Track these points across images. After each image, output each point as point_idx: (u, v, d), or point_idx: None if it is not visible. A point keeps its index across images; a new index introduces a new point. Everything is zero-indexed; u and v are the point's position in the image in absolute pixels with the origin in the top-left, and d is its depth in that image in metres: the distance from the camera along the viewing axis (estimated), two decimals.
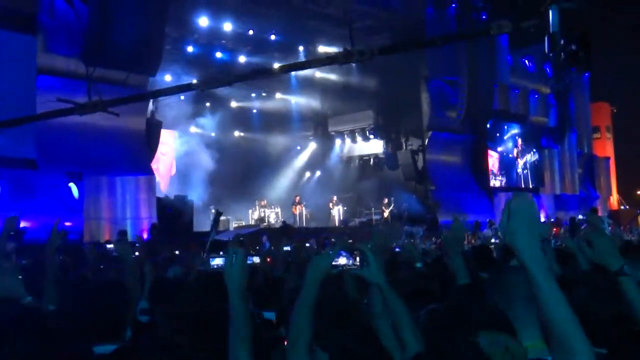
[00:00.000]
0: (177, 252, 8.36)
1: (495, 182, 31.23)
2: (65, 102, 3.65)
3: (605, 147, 41.35)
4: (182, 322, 3.25)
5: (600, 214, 30.15)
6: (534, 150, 33.67)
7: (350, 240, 14.64)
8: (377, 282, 2.90)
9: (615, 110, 42.49)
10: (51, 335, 2.36)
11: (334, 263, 3.21)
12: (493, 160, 31.44)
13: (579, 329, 1.91)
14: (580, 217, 25.78)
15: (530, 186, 33.25)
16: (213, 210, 18.26)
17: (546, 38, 11.27)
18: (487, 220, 24.48)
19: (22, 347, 2.22)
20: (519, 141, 33.14)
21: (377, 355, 2.86)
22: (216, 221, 16.51)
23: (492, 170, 31.23)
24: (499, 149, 31.79)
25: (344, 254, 3.52)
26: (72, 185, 19.66)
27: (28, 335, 2.28)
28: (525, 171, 33.26)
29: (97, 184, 20.15)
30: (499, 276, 3.02)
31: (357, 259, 3.53)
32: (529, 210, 2.04)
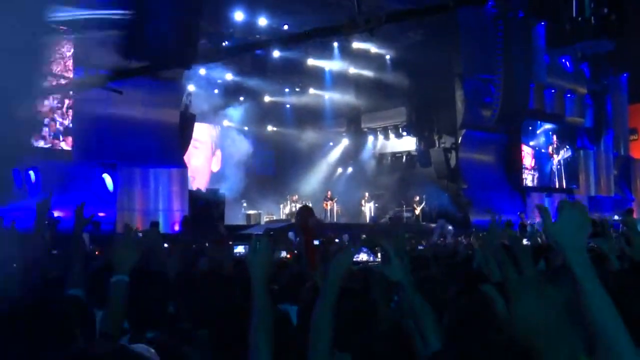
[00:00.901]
0: (207, 244, 8.40)
1: (528, 178, 30.90)
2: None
3: None
4: (204, 316, 3.26)
5: (635, 216, 29.68)
6: (567, 147, 33.25)
7: (364, 236, 14.58)
8: (399, 279, 2.87)
9: None
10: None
11: (355, 259, 3.19)
12: (525, 155, 31.15)
13: (626, 335, 1.84)
14: (616, 217, 25.40)
15: (564, 185, 32.86)
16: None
17: (574, 2, 10.94)
18: (519, 221, 24.25)
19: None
20: (554, 138, 32.76)
21: (401, 355, 2.83)
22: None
23: (525, 165, 30.95)
24: (532, 143, 31.44)
25: (365, 250, 3.49)
26: (106, 176, 19.91)
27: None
28: (559, 168, 32.87)
29: (131, 176, 20.37)
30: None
31: (379, 255, 3.48)
32: (580, 212, 2.00)
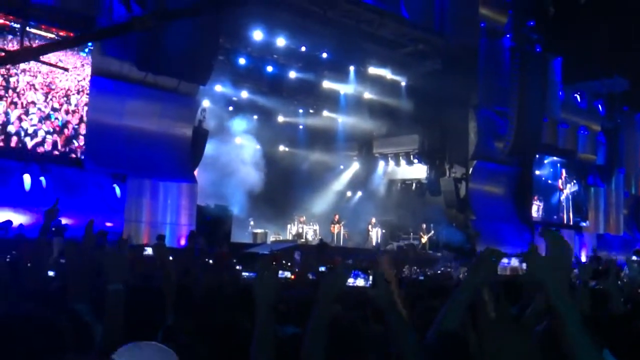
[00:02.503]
0: (210, 261, 8.38)
1: (533, 208, 30.73)
2: None
3: None
4: (204, 332, 3.26)
5: None
6: (575, 181, 33.11)
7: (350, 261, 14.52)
8: (381, 303, 2.85)
9: None
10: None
11: (351, 284, 3.17)
12: None
13: None
14: (634, 257, 25.17)
15: (571, 218, 32.66)
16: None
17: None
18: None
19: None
20: (563, 172, 32.63)
21: None
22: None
23: None
24: (537, 172, 31.24)
25: (361, 275, 3.48)
26: (116, 186, 19.98)
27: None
28: (567, 201, 32.70)
29: (141, 187, 20.42)
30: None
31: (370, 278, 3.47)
32: (561, 247, 2.00)
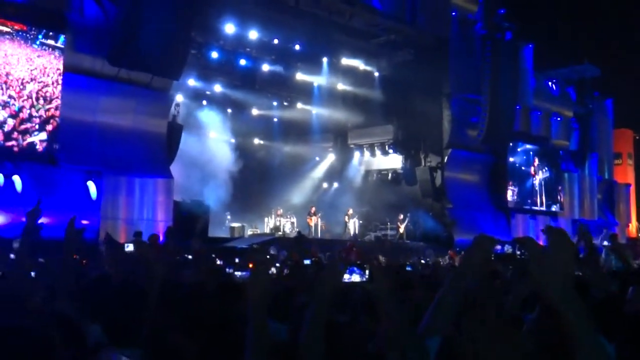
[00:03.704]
0: (189, 257, 8.33)
1: (508, 193, 30.90)
2: None
3: (626, 174, 41.01)
4: (194, 328, 3.25)
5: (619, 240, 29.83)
6: (546, 168, 33.39)
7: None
8: (379, 296, 2.86)
9: (638, 137, 42.25)
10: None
11: (347, 280, 3.19)
12: None
13: None
14: (605, 243, 25.45)
15: (544, 202, 32.86)
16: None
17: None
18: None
19: None
20: (536, 159, 32.88)
21: None
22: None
23: None
24: (511, 159, 31.44)
25: (357, 271, 3.45)
26: (90, 183, 19.80)
27: None
28: (540, 187, 32.94)
29: (116, 184, 20.27)
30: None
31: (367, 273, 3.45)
32: (564, 243, 1.97)
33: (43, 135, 18.72)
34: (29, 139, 18.55)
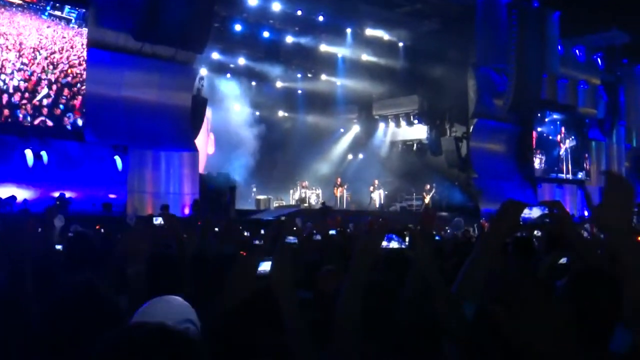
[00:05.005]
0: (216, 229, 8.37)
1: (535, 161, 30.71)
2: None
3: None
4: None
5: None
6: (573, 137, 33.05)
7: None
8: (420, 263, 2.87)
9: None
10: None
11: (385, 247, 3.17)
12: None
13: None
14: None
15: (570, 170, 32.63)
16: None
17: None
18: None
19: None
20: (562, 128, 32.57)
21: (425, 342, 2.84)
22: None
23: None
24: (539, 129, 31.18)
25: (395, 238, 3.44)
26: (117, 158, 19.98)
27: None
28: (566, 155, 32.72)
29: (142, 158, 20.42)
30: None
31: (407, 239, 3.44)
32: (626, 193, 1.93)
33: (69, 112, 19.00)
34: (57, 114, 18.79)
